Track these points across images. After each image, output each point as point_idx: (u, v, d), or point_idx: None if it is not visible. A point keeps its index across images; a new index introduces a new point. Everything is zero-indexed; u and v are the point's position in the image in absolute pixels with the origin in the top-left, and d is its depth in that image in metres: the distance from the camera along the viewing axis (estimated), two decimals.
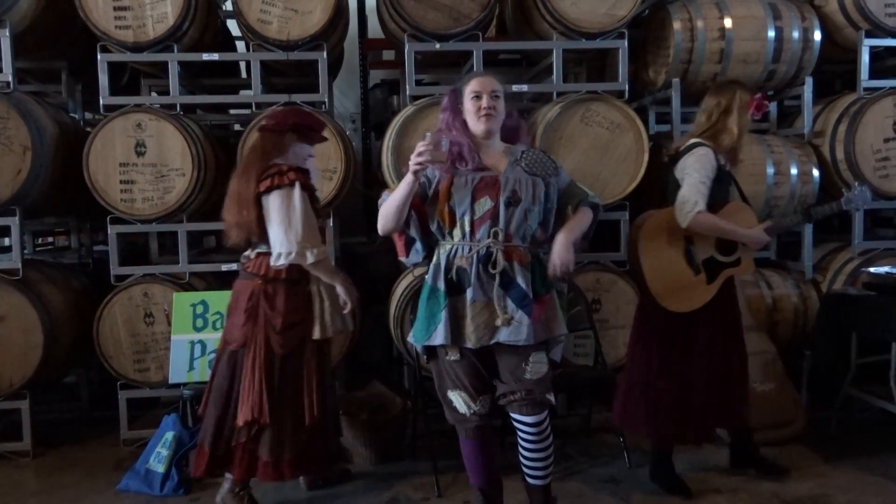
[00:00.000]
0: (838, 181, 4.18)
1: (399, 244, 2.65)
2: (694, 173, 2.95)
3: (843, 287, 4.06)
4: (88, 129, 4.35)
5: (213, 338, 3.63)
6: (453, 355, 2.53)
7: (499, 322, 2.46)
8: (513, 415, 2.53)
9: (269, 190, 2.78)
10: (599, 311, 3.96)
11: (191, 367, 3.59)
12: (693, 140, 3.07)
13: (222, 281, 4.26)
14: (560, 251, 2.51)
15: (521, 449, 2.59)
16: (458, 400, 2.56)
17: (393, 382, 4.11)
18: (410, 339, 2.65)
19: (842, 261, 4.21)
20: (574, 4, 3.91)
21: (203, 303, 3.68)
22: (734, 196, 3.19)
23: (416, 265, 2.76)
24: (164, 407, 4.01)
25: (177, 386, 3.58)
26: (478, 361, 2.54)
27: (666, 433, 3.12)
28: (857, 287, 3.92)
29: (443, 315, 2.48)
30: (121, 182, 3.78)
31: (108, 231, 3.86)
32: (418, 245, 2.62)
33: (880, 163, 4.07)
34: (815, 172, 4.20)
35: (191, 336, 3.64)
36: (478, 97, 2.55)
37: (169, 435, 3.34)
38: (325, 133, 3.16)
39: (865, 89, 4.13)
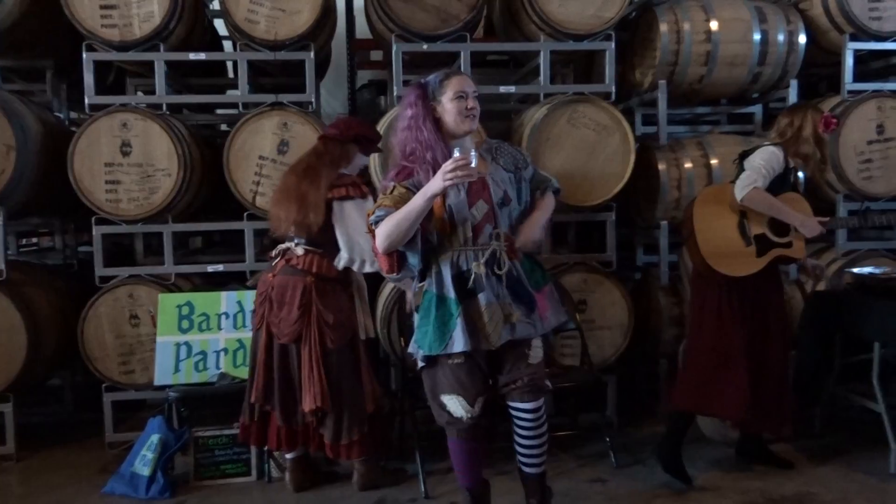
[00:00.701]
0: (823, 182, 4.22)
1: (387, 262, 2.55)
2: (759, 161, 3.18)
3: (829, 285, 4.09)
4: (74, 128, 4.31)
5: (198, 339, 3.62)
6: (457, 359, 2.51)
7: (514, 319, 2.50)
8: (512, 403, 2.58)
9: (344, 198, 3.00)
10: (586, 311, 3.97)
11: (176, 369, 3.57)
12: (766, 142, 3.30)
13: (208, 282, 4.24)
14: (534, 228, 2.63)
15: (517, 438, 2.63)
16: (453, 403, 2.55)
17: (379, 383, 4.09)
18: (416, 350, 2.59)
19: (826, 261, 4.24)
20: (561, 6, 3.92)
21: (189, 304, 3.67)
22: None
23: (399, 281, 2.74)
24: (150, 409, 3.97)
25: (162, 388, 3.56)
26: (482, 361, 2.56)
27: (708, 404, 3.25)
28: (841, 287, 3.96)
29: (458, 322, 2.46)
30: (106, 182, 3.75)
31: (94, 232, 3.83)
32: (414, 260, 2.55)
33: (863, 164, 4.11)
34: (800, 174, 4.22)
35: (176, 338, 3.62)
36: (463, 97, 2.54)
37: (154, 437, 3.32)
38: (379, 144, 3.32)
39: (849, 92, 4.17)
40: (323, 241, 3.07)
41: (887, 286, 3.49)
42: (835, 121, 3.29)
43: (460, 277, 2.51)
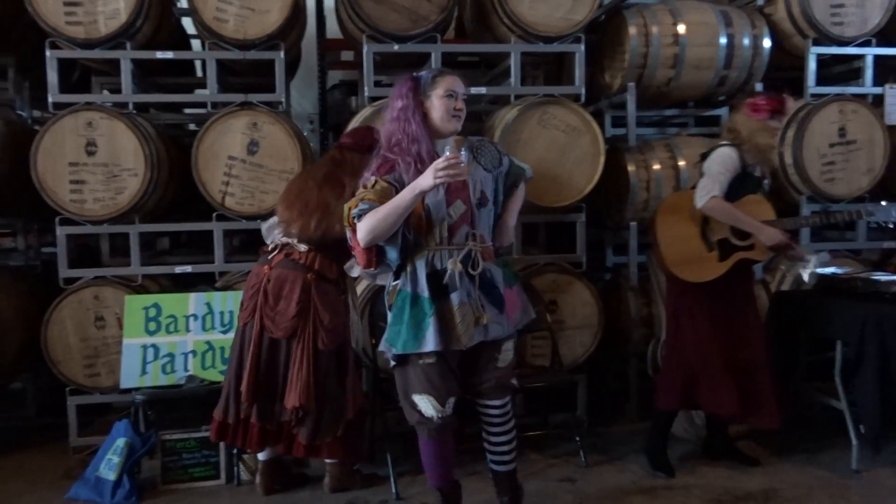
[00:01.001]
0: (787, 184, 4.30)
1: (365, 256, 2.54)
2: (715, 167, 3.23)
3: (793, 285, 4.17)
4: (37, 127, 4.23)
5: (166, 341, 3.57)
6: (428, 359, 2.52)
7: (484, 321, 2.52)
8: (480, 401, 2.63)
9: None
10: (556, 312, 4.00)
11: (143, 372, 3.52)
12: (720, 142, 3.34)
13: (176, 283, 4.19)
14: (510, 232, 2.74)
15: (487, 436, 2.68)
16: (424, 403, 2.56)
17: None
18: (388, 347, 2.58)
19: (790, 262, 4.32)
20: (531, 8, 3.94)
21: (156, 306, 3.62)
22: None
23: (376, 276, 2.74)
24: (116, 413, 3.92)
25: (129, 391, 3.51)
26: (452, 362, 2.57)
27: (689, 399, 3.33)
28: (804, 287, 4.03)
29: (431, 321, 2.47)
30: (70, 182, 3.68)
31: (57, 232, 3.76)
32: (393, 255, 2.55)
33: (826, 167, 4.20)
34: (766, 180, 4.29)
35: (143, 340, 3.57)
36: (452, 97, 2.55)
37: (121, 441, 3.27)
38: None
39: (812, 95, 4.26)
40: (330, 244, 3.06)
41: (849, 286, 3.57)
42: (764, 102, 3.25)
43: (434, 276, 2.52)
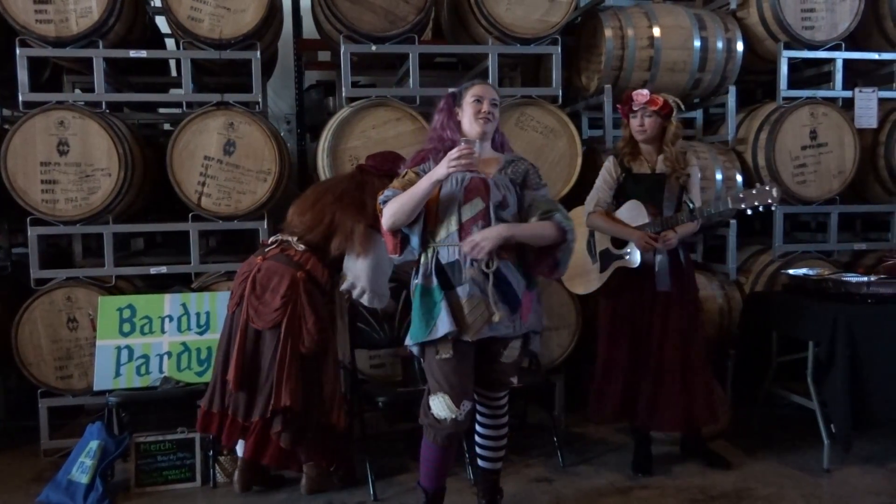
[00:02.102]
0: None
1: (392, 242, 2.66)
2: (597, 181, 3.41)
3: (766, 286, 4.23)
4: (7, 126, 4.16)
5: (140, 343, 3.53)
6: (444, 353, 2.56)
7: (495, 318, 2.55)
8: (477, 390, 2.68)
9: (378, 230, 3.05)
10: None
11: (117, 374, 3.47)
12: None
13: (151, 284, 4.14)
14: (485, 233, 2.52)
15: (477, 427, 2.75)
16: (437, 404, 2.59)
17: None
18: (410, 343, 2.65)
19: (763, 263, 4.38)
20: (508, 10, 3.95)
21: (130, 307, 3.57)
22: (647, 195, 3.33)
23: (401, 262, 2.81)
24: (89, 415, 3.86)
25: (102, 393, 3.46)
26: (471, 352, 2.61)
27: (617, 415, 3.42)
28: (776, 288, 4.09)
29: (442, 307, 2.53)
30: (42, 182, 3.63)
31: (29, 233, 3.70)
32: (415, 242, 2.64)
33: (798, 169, 4.26)
34: (739, 178, 4.36)
35: (117, 341, 3.52)
36: (479, 101, 2.68)
37: (93, 444, 3.22)
38: None
39: (784, 98, 4.31)
40: (327, 253, 3.09)
41: (820, 287, 3.63)
42: (630, 95, 3.31)
43: (442, 269, 2.59)
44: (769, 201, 3.10)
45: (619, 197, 3.37)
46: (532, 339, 2.74)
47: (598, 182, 3.39)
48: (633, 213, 3.31)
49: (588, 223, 3.38)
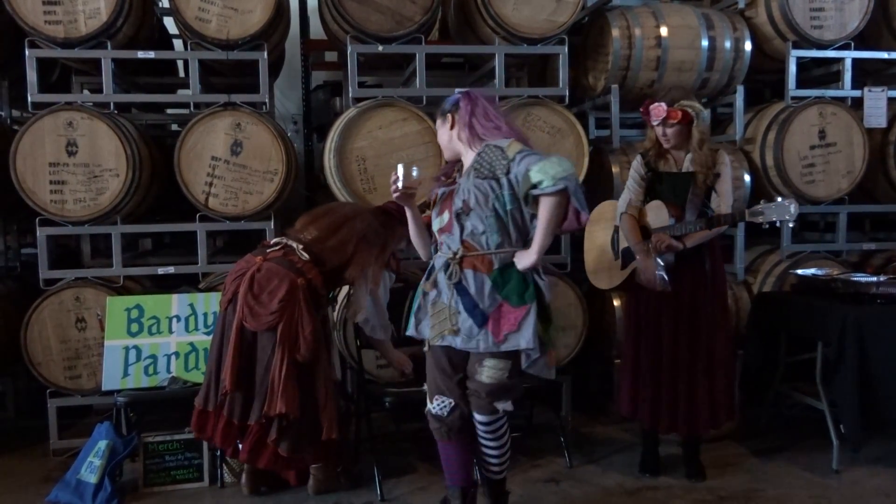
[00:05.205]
0: (768, 186, 4.34)
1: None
2: (628, 179, 3.40)
3: (774, 286, 4.21)
4: (16, 127, 4.18)
5: (148, 343, 3.54)
6: (425, 347, 2.72)
7: (446, 330, 2.58)
8: (472, 409, 2.68)
9: (388, 268, 3.23)
10: None
11: (125, 374, 3.49)
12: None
13: (159, 284, 4.16)
14: (527, 256, 2.55)
15: (479, 439, 2.74)
16: (429, 398, 2.71)
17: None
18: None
19: (771, 263, 4.36)
20: (515, 10, 3.95)
21: (138, 307, 3.59)
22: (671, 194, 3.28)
23: None
24: (97, 415, 3.88)
25: (110, 393, 3.48)
26: (444, 356, 2.64)
27: (640, 417, 3.35)
28: (785, 288, 4.07)
29: (415, 307, 2.72)
30: (51, 182, 3.64)
31: (38, 233, 3.72)
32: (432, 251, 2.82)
33: (806, 169, 4.24)
34: (747, 178, 4.34)
35: (125, 341, 3.53)
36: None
37: (102, 444, 3.24)
38: None
39: (793, 98, 4.29)
40: (328, 268, 3.10)
41: (829, 287, 3.61)
42: (651, 106, 3.22)
43: (428, 276, 2.71)
44: (787, 217, 3.05)
45: (649, 195, 3.33)
46: (528, 360, 2.54)
47: (629, 181, 3.38)
48: (655, 213, 3.28)
49: (621, 226, 3.36)
